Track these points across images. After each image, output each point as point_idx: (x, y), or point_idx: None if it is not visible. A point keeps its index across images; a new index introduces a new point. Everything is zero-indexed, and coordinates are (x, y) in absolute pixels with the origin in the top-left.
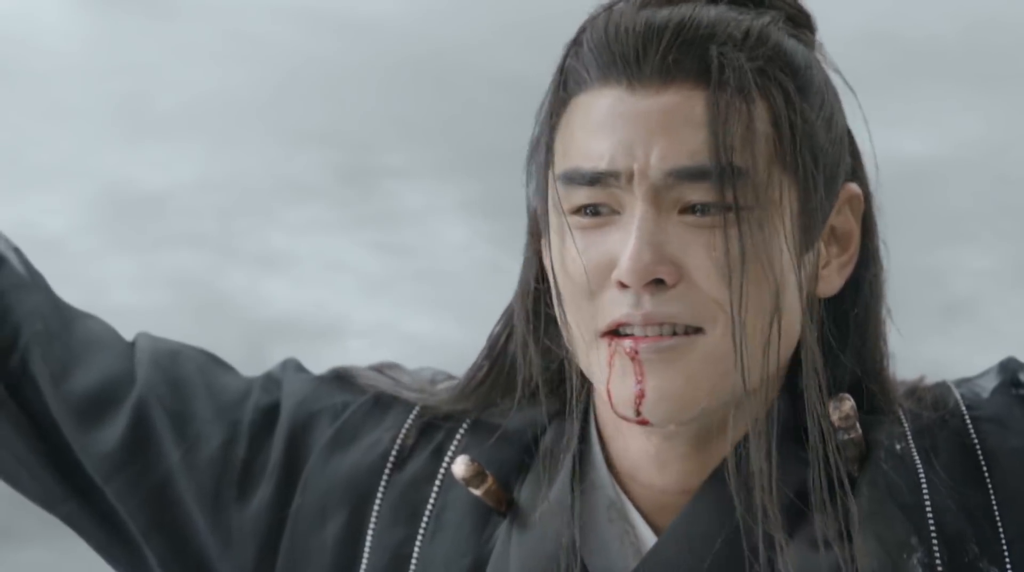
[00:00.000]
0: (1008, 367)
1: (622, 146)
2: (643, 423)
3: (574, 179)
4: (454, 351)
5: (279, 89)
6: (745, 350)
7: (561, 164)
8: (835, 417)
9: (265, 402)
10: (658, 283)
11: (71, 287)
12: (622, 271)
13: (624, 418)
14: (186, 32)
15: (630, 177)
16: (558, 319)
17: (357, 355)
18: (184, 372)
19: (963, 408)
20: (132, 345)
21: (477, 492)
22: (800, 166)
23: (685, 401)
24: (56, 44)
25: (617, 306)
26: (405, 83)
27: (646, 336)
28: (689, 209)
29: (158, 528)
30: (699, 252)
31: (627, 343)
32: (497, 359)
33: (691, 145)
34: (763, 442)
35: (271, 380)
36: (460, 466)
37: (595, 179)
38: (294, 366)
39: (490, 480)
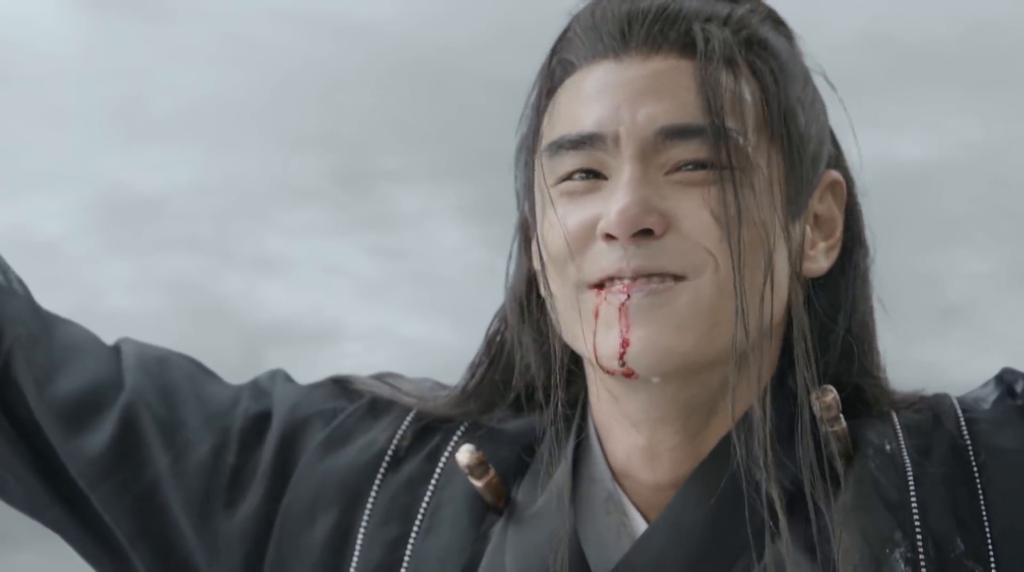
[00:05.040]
0: (1004, 379)
1: (609, 110)
2: (628, 374)
3: (561, 146)
4: (451, 355)
5: (275, 93)
6: (744, 298)
7: (547, 138)
8: (817, 408)
9: (255, 410)
10: (645, 234)
11: (67, 290)
12: (610, 222)
13: (609, 372)
14: (182, 36)
15: (616, 140)
16: (543, 293)
17: (354, 358)
18: (172, 378)
19: (959, 411)
20: (117, 350)
21: (478, 483)
22: (786, 138)
23: (670, 349)
24: (52, 48)
25: (605, 259)
26: (402, 87)
27: (635, 279)
28: (678, 169)
29: (144, 535)
30: (690, 203)
31: (617, 290)
32: (495, 357)
33: (680, 105)
34: (759, 428)
35: (259, 389)
36: (464, 454)
37: (580, 142)
38: (283, 376)
39: (492, 472)
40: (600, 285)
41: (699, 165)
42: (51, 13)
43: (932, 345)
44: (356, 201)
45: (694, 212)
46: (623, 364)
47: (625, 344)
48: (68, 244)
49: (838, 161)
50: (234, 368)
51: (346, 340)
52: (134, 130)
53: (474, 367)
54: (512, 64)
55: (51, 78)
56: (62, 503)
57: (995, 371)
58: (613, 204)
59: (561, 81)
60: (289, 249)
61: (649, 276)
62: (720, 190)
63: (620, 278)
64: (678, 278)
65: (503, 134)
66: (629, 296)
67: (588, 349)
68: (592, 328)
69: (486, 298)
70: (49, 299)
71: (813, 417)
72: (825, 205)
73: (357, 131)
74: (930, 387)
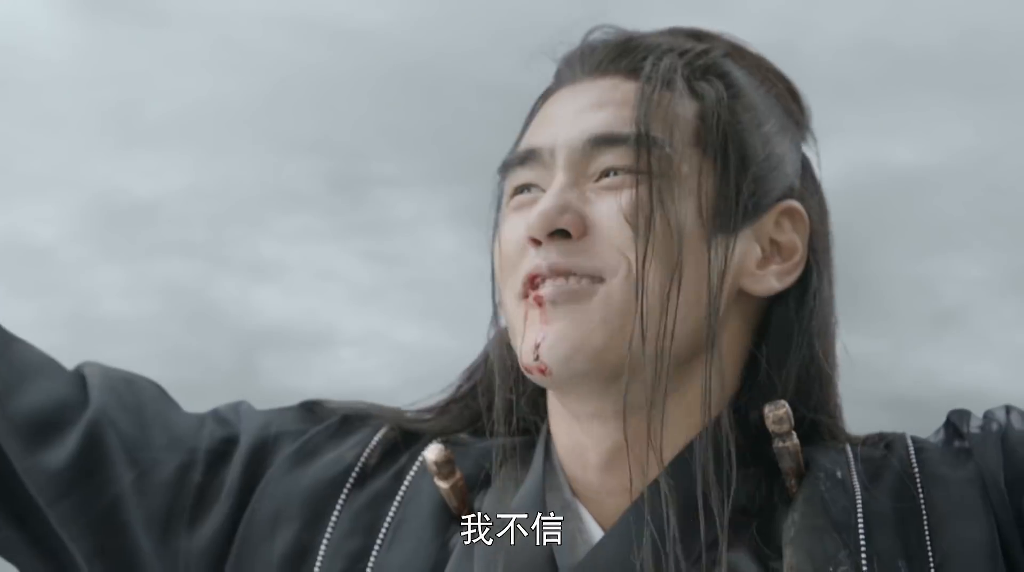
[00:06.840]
0: (951, 421)
1: (552, 127)
2: (542, 371)
3: (510, 164)
4: (445, 359)
5: (270, 98)
6: (645, 297)
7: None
8: (769, 421)
9: (221, 433)
10: (564, 235)
11: (62, 296)
12: (531, 225)
13: (527, 370)
14: (177, 41)
15: (552, 152)
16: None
17: (347, 364)
18: (138, 399)
19: (910, 443)
20: (79, 371)
21: (444, 484)
22: (720, 154)
23: (580, 345)
24: (47, 53)
25: (530, 260)
26: (396, 92)
27: (555, 279)
28: (605, 175)
29: (102, 553)
30: (608, 207)
31: (537, 293)
32: (482, 376)
33: (613, 117)
34: (701, 451)
35: (222, 417)
36: (433, 451)
37: (524, 158)
38: (248, 405)
39: (459, 475)
40: (526, 293)
41: (622, 171)
42: (46, 18)
43: (926, 350)
44: (350, 206)
45: (610, 215)
46: (536, 358)
47: (541, 340)
48: (62, 249)
49: (804, 196)
50: (227, 373)
51: (340, 345)
52: (129, 135)
53: (469, 371)
54: (506, 69)
55: (46, 83)
56: (14, 524)
57: (989, 376)
58: (535, 209)
59: (532, 117)
60: (283, 254)
61: (567, 275)
62: (634, 193)
63: (540, 277)
64: (594, 279)
65: (497, 139)
66: (542, 294)
67: (519, 354)
68: (522, 332)
69: (480, 303)
70: (43, 304)
71: (764, 434)
72: (783, 231)
73: (351, 136)
74: (925, 392)
